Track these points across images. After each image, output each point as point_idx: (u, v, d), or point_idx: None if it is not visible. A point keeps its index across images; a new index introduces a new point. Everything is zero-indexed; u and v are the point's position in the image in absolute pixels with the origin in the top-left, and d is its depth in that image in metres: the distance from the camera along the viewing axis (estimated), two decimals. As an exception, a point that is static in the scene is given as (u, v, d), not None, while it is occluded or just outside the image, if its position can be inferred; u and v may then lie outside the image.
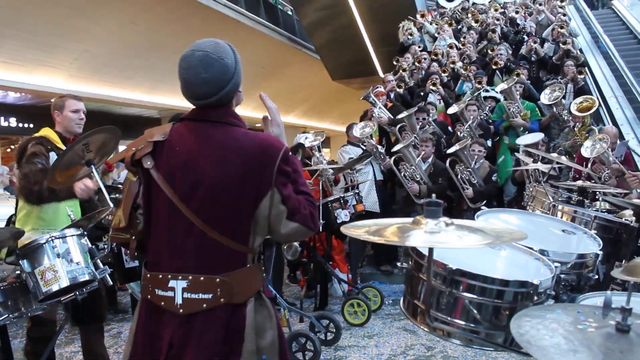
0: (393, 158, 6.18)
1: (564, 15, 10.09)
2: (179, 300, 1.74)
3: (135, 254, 1.93)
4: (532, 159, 5.14)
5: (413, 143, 6.41)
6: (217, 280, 1.73)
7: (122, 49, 13.37)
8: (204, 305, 1.73)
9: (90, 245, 2.87)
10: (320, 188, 5.16)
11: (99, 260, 2.89)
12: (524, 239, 1.12)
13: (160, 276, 1.78)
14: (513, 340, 1.30)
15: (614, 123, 8.07)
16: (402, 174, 6.15)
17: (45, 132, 3.46)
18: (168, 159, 1.81)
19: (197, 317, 1.73)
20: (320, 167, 5.37)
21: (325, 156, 6.28)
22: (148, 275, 1.82)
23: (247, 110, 17.71)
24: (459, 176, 6.05)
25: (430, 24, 11.75)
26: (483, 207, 2.03)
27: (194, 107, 1.86)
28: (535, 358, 0.94)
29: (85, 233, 2.91)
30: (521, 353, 1.35)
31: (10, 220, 3.54)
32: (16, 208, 3.47)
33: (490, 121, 7.40)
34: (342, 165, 5.90)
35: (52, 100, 3.60)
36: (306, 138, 5.98)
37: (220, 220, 1.74)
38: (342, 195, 5.27)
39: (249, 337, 1.76)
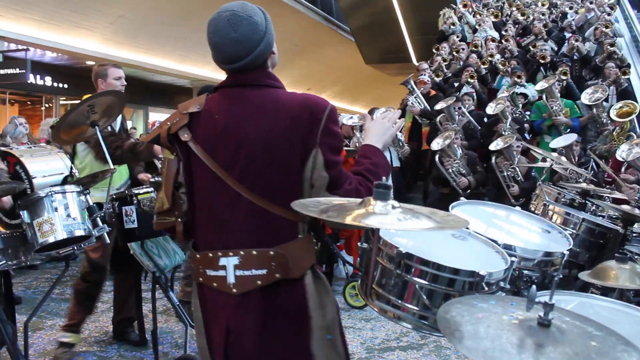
0: (437, 156, 6.09)
1: (609, 15, 9.81)
2: (231, 279, 1.60)
3: (184, 237, 1.78)
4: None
5: (451, 138, 6.31)
6: (271, 253, 1.59)
7: (154, 16, 13.52)
8: (259, 282, 1.59)
9: (90, 204, 2.96)
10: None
11: (98, 219, 2.99)
12: (467, 226, 1.14)
13: (210, 255, 1.65)
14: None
15: (645, 131, 7.84)
16: (448, 169, 6.03)
17: None
18: (206, 129, 1.68)
19: (253, 297, 1.60)
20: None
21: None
22: (197, 256, 1.69)
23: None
24: (503, 173, 5.89)
25: (474, 15, 11.48)
26: (461, 199, 2.04)
27: (228, 74, 1.73)
28: (448, 341, 0.96)
29: (87, 191, 3.00)
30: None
31: (71, 173, 3.63)
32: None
33: (525, 119, 7.25)
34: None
35: (94, 66, 3.79)
36: (351, 118, 6.15)
37: (267, 187, 1.61)
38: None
39: (315, 313, 1.62)
